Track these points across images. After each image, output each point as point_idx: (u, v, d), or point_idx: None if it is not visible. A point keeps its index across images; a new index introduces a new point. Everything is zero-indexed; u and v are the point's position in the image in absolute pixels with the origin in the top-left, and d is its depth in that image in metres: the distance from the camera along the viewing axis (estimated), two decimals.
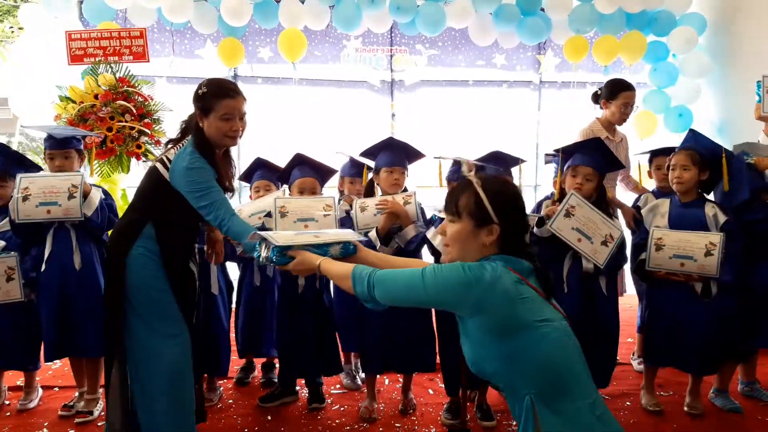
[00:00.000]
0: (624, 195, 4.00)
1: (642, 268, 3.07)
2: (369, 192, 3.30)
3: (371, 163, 3.35)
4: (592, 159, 3.02)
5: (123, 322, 2.40)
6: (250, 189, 3.56)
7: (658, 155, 3.61)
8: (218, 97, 2.41)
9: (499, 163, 3.21)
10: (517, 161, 3.27)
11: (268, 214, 3.08)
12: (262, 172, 3.52)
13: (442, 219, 2.75)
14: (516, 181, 3.30)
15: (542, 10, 5.45)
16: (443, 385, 3.34)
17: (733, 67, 5.51)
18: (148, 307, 2.42)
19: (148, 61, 4.69)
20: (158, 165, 2.47)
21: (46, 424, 3.05)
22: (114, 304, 2.41)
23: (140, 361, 2.42)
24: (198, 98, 2.43)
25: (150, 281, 2.41)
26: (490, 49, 5.80)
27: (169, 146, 2.54)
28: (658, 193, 3.54)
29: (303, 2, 5.16)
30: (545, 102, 6.11)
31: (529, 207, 3.46)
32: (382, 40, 5.77)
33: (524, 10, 5.37)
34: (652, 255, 2.97)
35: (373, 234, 3.05)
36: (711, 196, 3.23)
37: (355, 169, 3.52)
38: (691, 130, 3.26)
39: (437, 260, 3.00)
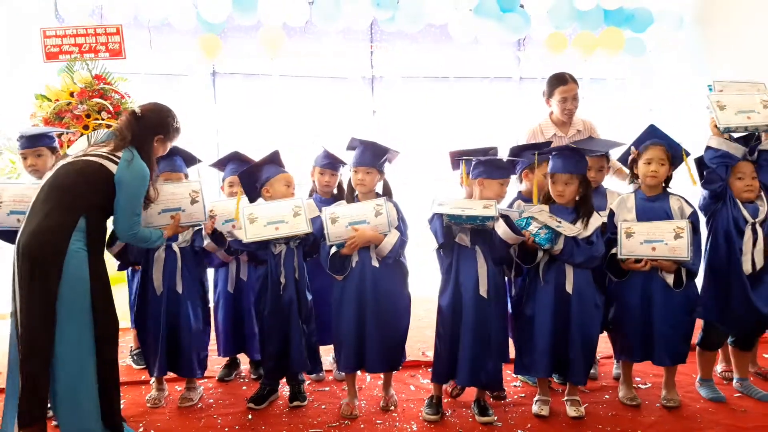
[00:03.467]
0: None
1: (613, 263, 3.09)
2: (350, 191, 3.26)
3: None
4: (567, 163, 3.03)
5: (55, 322, 2.46)
6: (223, 182, 3.55)
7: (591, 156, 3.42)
8: (178, 134, 2.94)
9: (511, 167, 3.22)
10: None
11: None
12: (235, 166, 3.49)
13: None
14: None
15: (522, 6, 5.48)
16: (426, 380, 3.37)
17: (709, 64, 5.57)
18: (83, 302, 2.52)
19: (125, 58, 4.64)
20: (105, 161, 2.63)
21: None
22: (47, 305, 2.45)
23: (70, 362, 2.50)
24: (170, 128, 2.86)
25: (85, 274, 2.53)
26: (470, 44, 5.81)
27: (104, 144, 2.73)
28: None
29: None
30: (525, 97, 6.14)
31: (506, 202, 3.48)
32: (362, 35, 5.76)
33: (504, 6, 5.40)
34: (623, 243, 3.01)
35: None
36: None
37: (327, 160, 3.48)
38: (652, 126, 3.21)
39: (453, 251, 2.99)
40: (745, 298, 3.09)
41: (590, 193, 3.10)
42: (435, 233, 3.02)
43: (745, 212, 3.11)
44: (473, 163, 3.08)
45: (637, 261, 3.01)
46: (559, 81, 3.78)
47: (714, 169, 3.11)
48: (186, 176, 3.30)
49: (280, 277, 3.11)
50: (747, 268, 3.08)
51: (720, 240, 3.14)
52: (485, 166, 3.04)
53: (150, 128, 2.77)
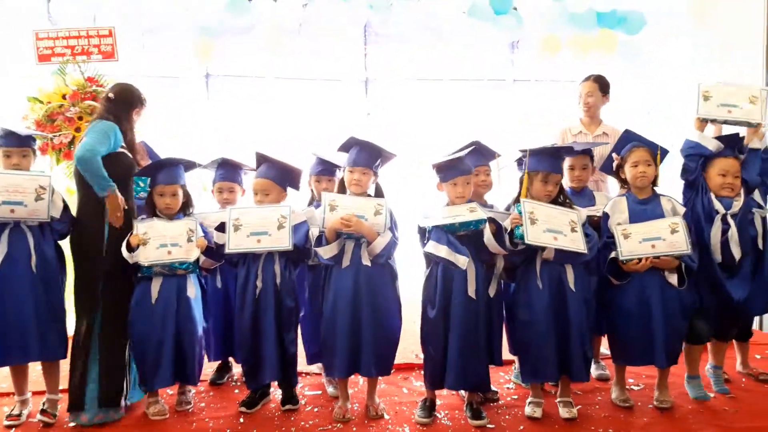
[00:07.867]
0: None
1: (614, 267, 3.08)
2: (341, 190, 3.25)
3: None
4: (558, 164, 3.09)
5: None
6: (213, 186, 3.53)
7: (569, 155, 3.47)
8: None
9: (477, 154, 3.20)
10: (493, 154, 3.27)
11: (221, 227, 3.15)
12: (224, 172, 3.47)
13: None
14: (495, 176, 3.29)
15: (515, 8, 5.50)
16: (419, 383, 3.36)
17: (701, 66, 5.59)
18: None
19: (118, 60, 4.62)
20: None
21: None
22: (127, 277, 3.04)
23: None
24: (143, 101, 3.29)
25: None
26: (463, 46, 5.81)
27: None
28: (571, 192, 3.41)
29: (276, 0, 5.13)
30: (519, 99, 6.15)
31: (503, 203, 3.49)
32: (356, 37, 5.76)
33: (497, 8, 5.41)
34: (622, 244, 3.01)
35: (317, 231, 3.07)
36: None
37: (321, 167, 3.47)
38: (627, 131, 3.28)
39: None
40: (718, 287, 3.17)
41: (563, 191, 3.15)
42: (437, 241, 2.97)
43: (717, 203, 3.19)
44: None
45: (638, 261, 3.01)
46: (583, 79, 4.10)
47: (686, 160, 3.25)
48: (182, 186, 3.21)
49: (256, 281, 3.10)
50: (717, 257, 3.17)
51: (693, 229, 3.17)
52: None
53: (126, 104, 3.19)
